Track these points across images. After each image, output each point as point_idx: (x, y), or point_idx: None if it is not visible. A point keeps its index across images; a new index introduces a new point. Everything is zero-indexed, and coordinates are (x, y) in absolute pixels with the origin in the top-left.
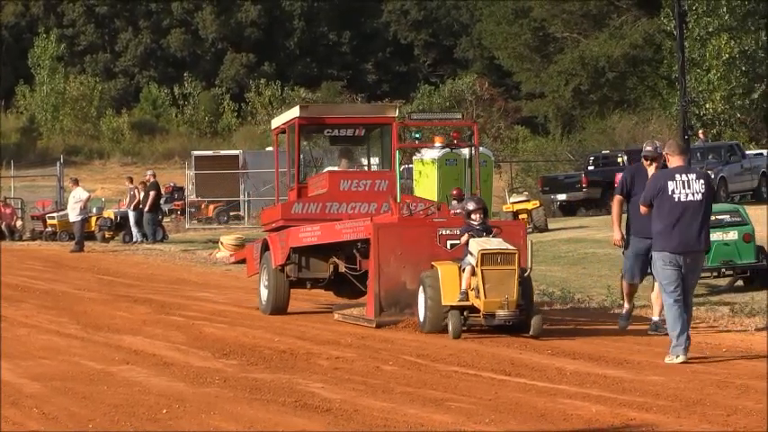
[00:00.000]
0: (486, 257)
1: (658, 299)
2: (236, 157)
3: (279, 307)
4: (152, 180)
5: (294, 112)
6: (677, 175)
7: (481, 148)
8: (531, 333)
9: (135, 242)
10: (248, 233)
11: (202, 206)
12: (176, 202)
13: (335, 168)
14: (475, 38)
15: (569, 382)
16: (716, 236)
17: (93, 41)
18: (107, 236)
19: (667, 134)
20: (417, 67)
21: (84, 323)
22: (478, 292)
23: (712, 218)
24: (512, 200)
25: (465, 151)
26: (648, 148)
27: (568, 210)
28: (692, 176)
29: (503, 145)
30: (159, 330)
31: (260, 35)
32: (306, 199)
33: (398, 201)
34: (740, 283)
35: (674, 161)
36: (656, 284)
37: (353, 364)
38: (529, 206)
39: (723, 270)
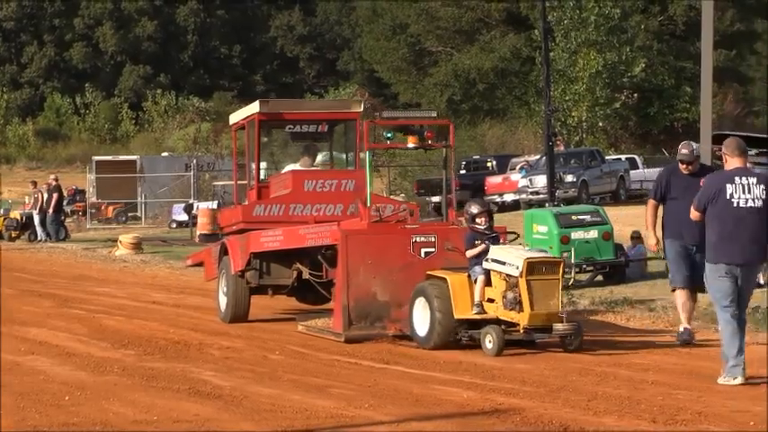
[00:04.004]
0: (533, 266)
1: (685, 303)
2: (134, 162)
3: (239, 315)
4: (55, 183)
5: (254, 107)
6: (737, 178)
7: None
8: (572, 348)
9: (39, 241)
10: (145, 232)
11: (102, 207)
12: (78, 204)
13: (296, 167)
14: (356, 52)
15: (443, 369)
16: (577, 234)
17: (1, 54)
18: (13, 235)
19: (533, 141)
20: (302, 79)
21: None
22: (520, 304)
23: (574, 218)
24: None
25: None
26: (684, 151)
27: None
28: (753, 180)
29: (381, 150)
30: (62, 323)
31: (156, 48)
32: (268, 200)
33: (368, 205)
34: (600, 278)
35: (733, 162)
36: (681, 290)
37: (243, 354)
38: None
39: (584, 266)
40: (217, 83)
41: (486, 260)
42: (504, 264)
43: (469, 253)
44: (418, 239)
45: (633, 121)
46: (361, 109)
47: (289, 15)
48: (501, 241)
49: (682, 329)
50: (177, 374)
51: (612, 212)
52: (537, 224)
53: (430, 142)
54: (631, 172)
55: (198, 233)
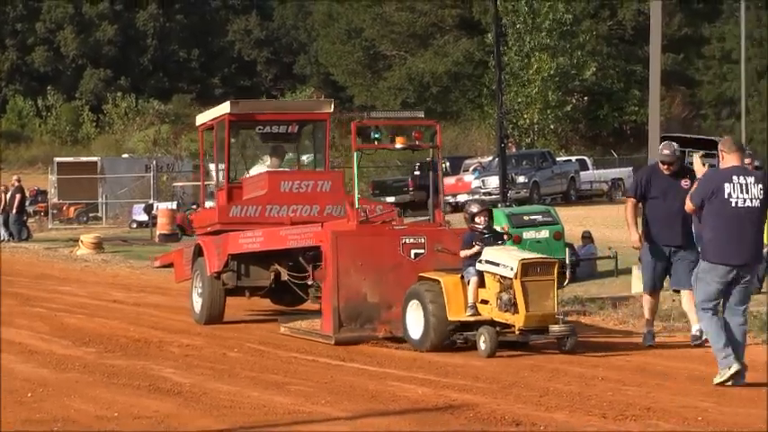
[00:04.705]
0: (527, 267)
1: (692, 308)
2: (95, 163)
3: (214, 316)
4: (17, 184)
5: (224, 107)
6: (735, 177)
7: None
8: (567, 348)
9: (2, 241)
10: (106, 232)
11: (64, 208)
12: (40, 204)
13: (265, 167)
14: (312, 55)
15: (398, 366)
16: (529, 234)
17: None
18: None
19: (486, 143)
20: (260, 82)
21: None
22: (515, 306)
23: (526, 218)
24: None
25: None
26: (666, 152)
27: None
28: (751, 179)
29: (338, 152)
30: (24, 321)
31: (116, 52)
32: (244, 201)
33: (357, 206)
34: None
35: (730, 159)
36: (684, 293)
37: (202, 351)
38: None
39: None
40: (176, 86)
41: (480, 261)
42: (498, 265)
43: (464, 253)
44: (408, 241)
45: (583, 124)
46: (332, 110)
47: (246, 20)
48: (504, 239)
49: (646, 331)
50: (138, 371)
51: (563, 212)
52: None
53: (418, 143)
54: (581, 173)
55: (158, 233)
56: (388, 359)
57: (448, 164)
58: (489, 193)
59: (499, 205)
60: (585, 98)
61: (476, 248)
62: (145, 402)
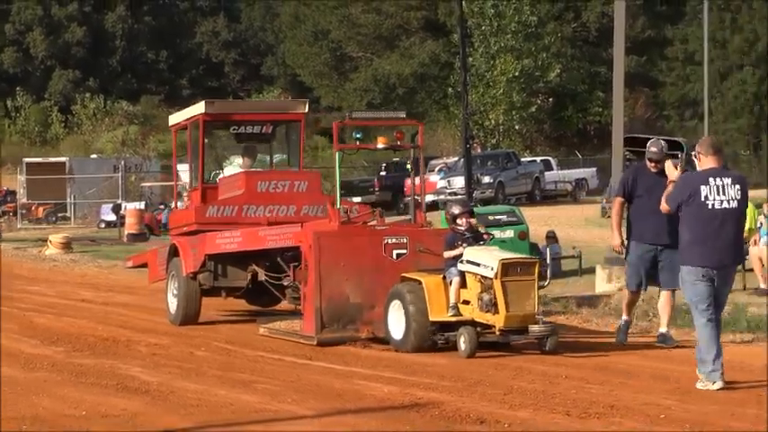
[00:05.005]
0: (507, 267)
1: (666, 309)
2: (64, 163)
3: (189, 316)
4: None
5: (199, 107)
6: (711, 179)
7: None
8: (547, 348)
9: None
10: (75, 232)
11: (33, 208)
12: (9, 205)
13: (237, 167)
14: (279, 57)
15: (364, 365)
16: (494, 234)
17: None
18: None
19: (451, 143)
20: (228, 83)
21: None
22: (496, 306)
23: (491, 218)
24: None
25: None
26: (654, 149)
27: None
28: (728, 180)
29: (305, 153)
30: None
31: (85, 53)
32: (221, 201)
33: (338, 206)
34: None
35: (707, 162)
36: (663, 293)
37: (170, 350)
38: None
39: None
40: (144, 87)
41: (461, 262)
42: (478, 265)
43: (447, 254)
44: (390, 241)
45: (548, 125)
46: (306, 110)
47: (214, 22)
48: (484, 242)
49: (622, 321)
50: (106, 370)
51: (528, 212)
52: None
53: (399, 143)
54: (546, 173)
55: (126, 233)
56: (355, 358)
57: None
58: (455, 194)
59: None
60: (550, 99)
61: (459, 250)
62: (113, 401)
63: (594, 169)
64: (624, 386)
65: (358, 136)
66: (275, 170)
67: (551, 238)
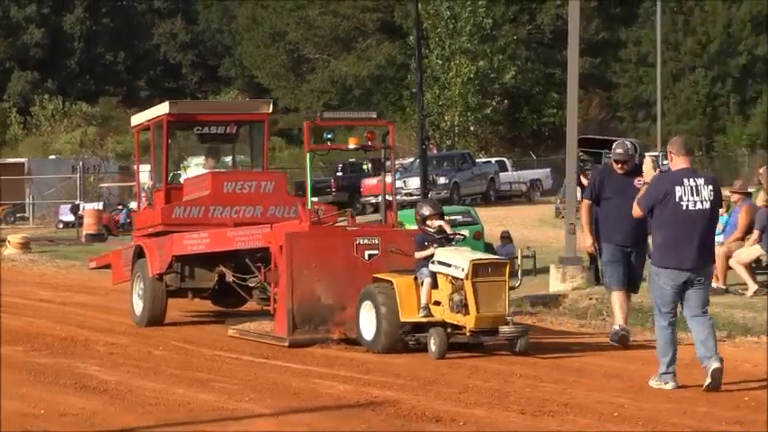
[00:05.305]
0: (478, 268)
1: (623, 306)
2: (22, 164)
3: (155, 318)
4: None
5: (163, 108)
6: (686, 180)
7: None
8: (518, 349)
9: None
10: (33, 232)
11: None
12: None
13: (200, 168)
14: (236, 58)
15: (320, 364)
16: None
17: None
18: None
19: (407, 144)
20: (185, 84)
21: None
22: (466, 307)
23: (447, 218)
24: None
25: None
26: (619, 151)
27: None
28: (701, 181)
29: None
30: None
31: (43, 55)
32: (187, 202)
33: (310, 207)
34: None
35: (679, 162)
36: (617, 292)
37: (127, 350)
38: None
39: None
40: (102, 88)
41: (433, 262)
42: (449, 266)
43: (418, 255)
44: (362, 242)
45: (503, 126)
46: (270, 110)
47: (172, 23)
48: (455, 242)
49: (616, 327)
50: (64, 370)
51: (483, 213)
52: (410, 224)
53: (370, 143)
54: (501, 174)
55: (84, 233)
56: (311, 357)
57: (370, 165)
58: (410, 194)
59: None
60: (505, 101)
61: (431, 250)
62: (71, 400)
63: (549, 170)
64: (578, 384)
65: (329, 136)
66: (242, 171)
67: (506, 238)
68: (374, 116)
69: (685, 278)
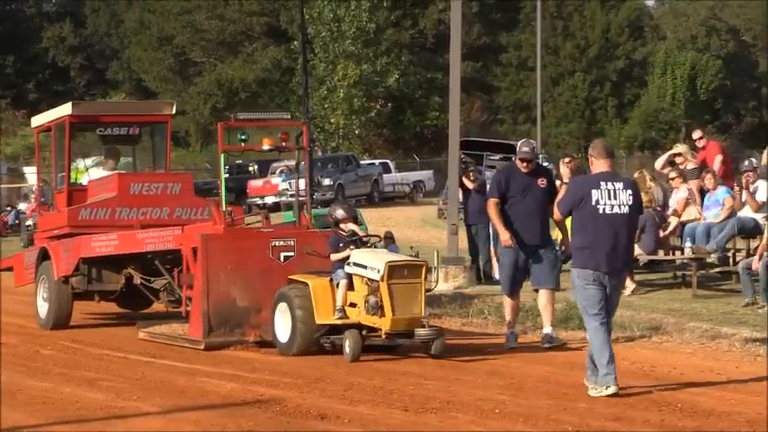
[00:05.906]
0: (393, 270)
1: (547, 308)
2: None
3: (60, 321)
4: None
5: (65, 109)
6: (602, 183)
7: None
8: (433, 352)
9: None
10: None
11: None
12: None
13: (101, 171)
14: (124, 62)
15: (207, 362)
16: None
17: None
18: None
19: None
20: (74, 87)
21: None
22: (382, 309)
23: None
24: None
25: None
26: (525, 149)
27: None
28: (619, 185)
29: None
30: None
31: None
32: (93, 204)
33: (224, 209)
34: None
35: (599, 165)
36: (542, 292)
37: (16, 349)
38: None
39: None
40: None
41: (349, 264)
42: (365, 267)
43: (334, 257)
44: (277, 244)
45: (387, 128)
46: (173, 111)
47: (60, 27)
48: (373, 243)
49: (509, 333)
50: None
51: (367, 213)
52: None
53: (285, 144)
54: (384, 176)
55: None
56: (198, 356)
57: (256, 167)
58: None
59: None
60: (389, 104)
61: (347, 252)
62: None
63: (431, 171)
64: (460, 382)
65: (243, 137)
66: (148, 172)
67: (389, 238)
68: (288, 117)
69: (603, 280)
